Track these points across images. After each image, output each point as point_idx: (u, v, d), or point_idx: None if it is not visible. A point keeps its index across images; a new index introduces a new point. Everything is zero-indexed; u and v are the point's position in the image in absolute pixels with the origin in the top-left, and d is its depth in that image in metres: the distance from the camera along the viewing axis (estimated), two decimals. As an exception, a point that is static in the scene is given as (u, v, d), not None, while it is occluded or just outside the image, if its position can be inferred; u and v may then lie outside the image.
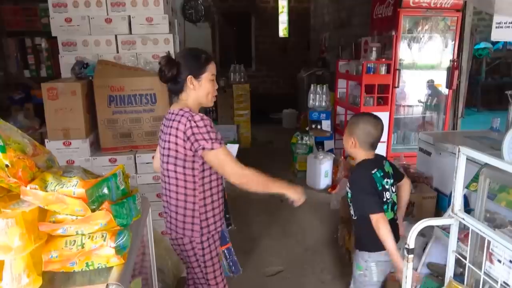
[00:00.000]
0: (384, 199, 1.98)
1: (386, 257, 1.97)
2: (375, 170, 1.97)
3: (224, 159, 1.63)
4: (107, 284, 0.87)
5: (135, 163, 2.79)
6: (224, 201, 1.93)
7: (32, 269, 0.86)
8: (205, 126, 1.62)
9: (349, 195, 2.06)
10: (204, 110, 6.38)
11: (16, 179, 0.89)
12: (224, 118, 6.56)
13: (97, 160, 2.75)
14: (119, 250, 0.94)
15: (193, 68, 1.70)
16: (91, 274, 0.94)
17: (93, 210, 0.92)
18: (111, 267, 0.95)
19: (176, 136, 1.65)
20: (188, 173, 1.70)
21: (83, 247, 0.92)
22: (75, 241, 0.92)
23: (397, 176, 2.12)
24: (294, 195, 1.78)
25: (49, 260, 0.91)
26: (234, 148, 2.07)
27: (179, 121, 1.65)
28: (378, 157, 2.10)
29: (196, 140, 1.61)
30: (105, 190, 0.96)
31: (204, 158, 1.66)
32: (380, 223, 1.86)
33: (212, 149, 1.61)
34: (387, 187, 2.00)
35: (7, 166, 0.88)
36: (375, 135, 2.00)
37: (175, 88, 1.74)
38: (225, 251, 2.01)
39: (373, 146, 2.03)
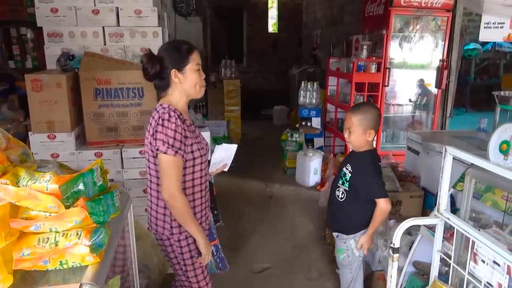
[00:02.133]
0: None
1: (362, 233, 2.13)
2: (380, 163, 2.09)
3: (168, 170, 1.57)
4: (80, 284, 0.84)
5: (121, 158, 2.75)
6: (212, 198, 1.90)
7: (2, 267, 0.83)
8: (169, 128, 1.56)
9: (348, 177, 2.06)
10: (194, 105, 6.33)
11: (-14, 174, 0.86)
12: (214, 114, 6.52)
13: (82, 154, 2.70)
14: (94, 248, 0.91)
15: (176, 61, 1.64)
16: (65, 273, 0.91)
17: (67, 207, 0.89)
18: (86, 266, 0.92)
19: (148, 131, 1.64)
20: (159, 169, 1.65)
21: (56, 245, 0.88)
22: (48, 238, 0.89)
23: None
24: (202, 248, 1.72)
25: (21, 258, 0.87)
26: (232, 148, 2.01)
27: (153, 117, 1.63)
28: None
29: (155, 139, 1.57)
30: (81, 186, 0.93)
31: (158, 159, 1.61)
32: (388, 207, 1.99)
33: (165, 153, 1.55)
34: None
35: (-23, 160, 0.85)
36: (380, 116, 2.10)
37: (161, 84, 1.68)
38: (212, 248, 1.98)
39: None
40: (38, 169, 0.94)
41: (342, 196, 2.10)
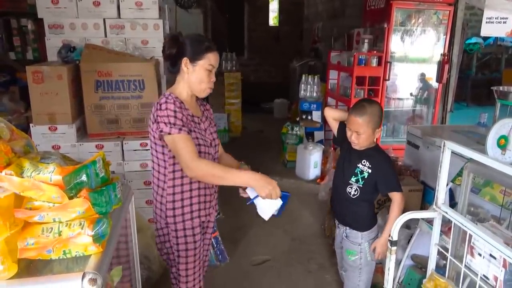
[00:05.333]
0: None
1: (375, 232, 2.11)
2: None
3: (178, 147, 1.54)
4: (83, 273, 0.85)
5: (122, 150, 2.76)
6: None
7: (7, 256, 0.85)
8: (167, 109, 1.56)
9: (366, 174, 2.01)
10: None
11: (-10, 165, 0.88)
12: (215, 106, 6.51)
13: (83, 146, 2.71)
14: (97, 238, 0.93)
15: (191, 52, 1.65)
16: (69, 262, 0.93)
17: (70, 198, 0.90)
18: (89, 255, 0.94)
19: (149, 119, 1.65)
20: (160, 157, 1.67)
21: (60, 235, 0.90)
22: (52, 228, 0.91)
23: None
24: (259, 188, 1.59)
25: (25, 247, 0.89)
26: (276, 203, 1.70)
27: (154, 105, 1.65)
28: None
29: (158, 123, 1.57)
30: (84, 177, 0.94)
31: (166, 142, 1.61)
32: (403, 200, 1.99)
33: (169, 133, 1.55)
34: None
35: (-19, 151, 0.86)
36: None
37: (172, 69, 1.72)
38: (213, 240, 2.00)
39: None
40: (41, 160, 0.96)
41: (355, 193, 2.04)
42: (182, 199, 1.70)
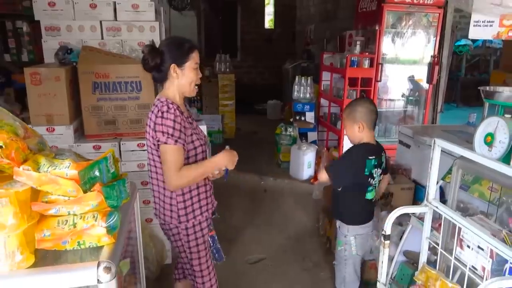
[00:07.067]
0: (370, 183, 2.16)
1: (364, 230, 2.20)
2: (373, 157, 2.12)
3: (169, 158, 1.62)
4: (98, 262, 0.90)
5: (120, 151, 2.79)
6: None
7: (25, 247, 0.89)
8: (168, 119, 1.61)
9: None
10: (189, 99, 6.36)
11: (9, 160, 0.92)
12: (209, 108, 6.56)
13: (81, 147, 2.73)
14: (109, 230, 0.98)
15: (176, 57, 1.70)
16: (83, 252, 0.98)
17: (84, 192, 0.95)
18: (102, 246, 0.99)
19: (148, 125, 1.69)
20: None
21: (75, 227, 0.95)
22: (67, 220, 0.96)
23: (385, 170, 2.30)
24: (230, 163, 1.76)
25: (42, 238, 0.94)
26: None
27: (152, 111, 1.69)
28: (379, 146, 2.25)
29: (156, 131, 1.63)
30: (97, 173, 0.99)
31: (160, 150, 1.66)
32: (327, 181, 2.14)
33: (165, 143, 1.61)
34: (375, 175, 2.16)
35: (0, 147, 0.91)
36: (375, 111, 2.19)
37: (159, 77, 1.75)
38: (209, 239, 2.04)
39: (375, 124, 2.21)
40: (56, 156, 1.01)
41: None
42: (191, 197, 1.78)
